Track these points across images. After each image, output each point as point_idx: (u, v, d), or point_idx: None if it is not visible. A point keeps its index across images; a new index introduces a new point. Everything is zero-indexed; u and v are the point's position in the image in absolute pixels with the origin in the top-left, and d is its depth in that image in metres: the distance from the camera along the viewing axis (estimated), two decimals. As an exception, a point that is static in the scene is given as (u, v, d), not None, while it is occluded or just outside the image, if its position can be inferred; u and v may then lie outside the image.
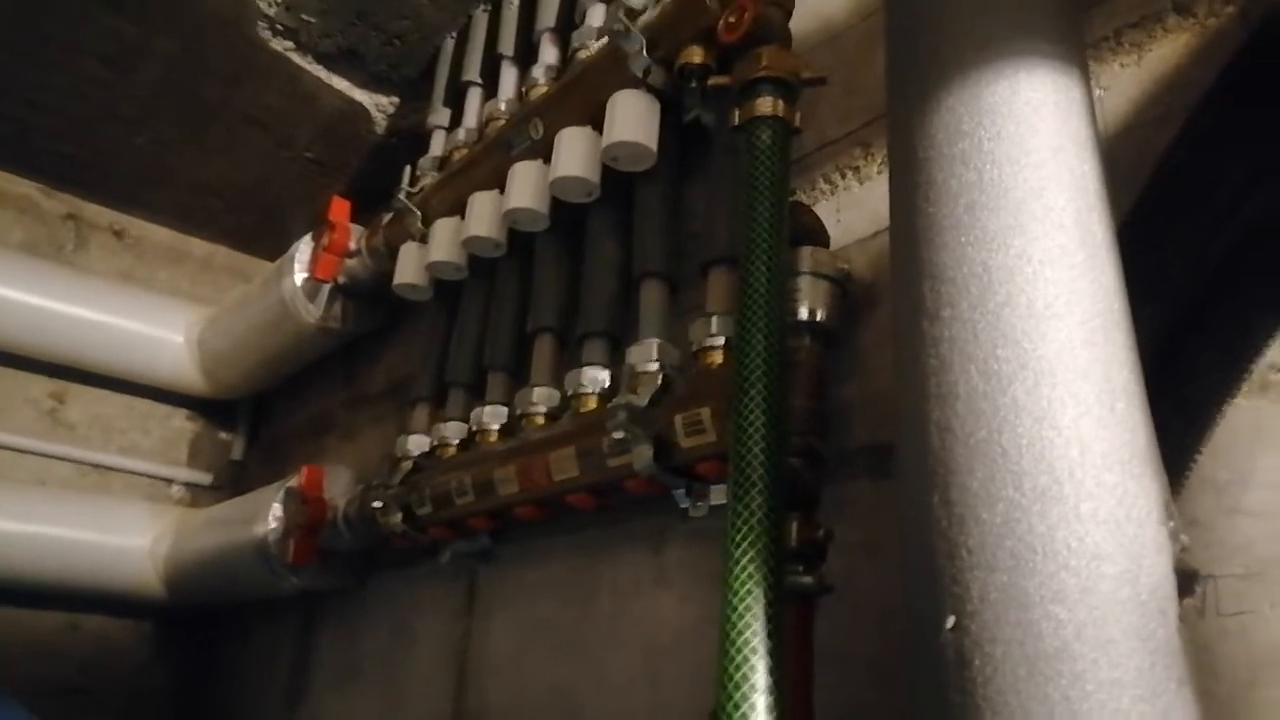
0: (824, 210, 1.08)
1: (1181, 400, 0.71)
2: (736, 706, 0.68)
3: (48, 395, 2.32)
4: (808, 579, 0.85)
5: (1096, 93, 0.86)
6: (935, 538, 0.59)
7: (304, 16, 1.74)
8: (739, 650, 0.70)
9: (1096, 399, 0.57)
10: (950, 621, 0.56)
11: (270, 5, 1.72)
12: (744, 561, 0.74)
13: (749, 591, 0.73)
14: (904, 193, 0.69)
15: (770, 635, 0.71)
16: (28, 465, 2.26)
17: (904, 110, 0.71)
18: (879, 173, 1.05)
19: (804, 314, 0.96)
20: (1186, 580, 0.57)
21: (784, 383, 0.86)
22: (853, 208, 1.07)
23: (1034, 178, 0.63)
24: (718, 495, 1.05)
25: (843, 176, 1.10)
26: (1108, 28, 0.88)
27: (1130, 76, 0.85)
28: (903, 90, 0.73)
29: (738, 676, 0.69)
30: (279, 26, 1.77)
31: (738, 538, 0.76)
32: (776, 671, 0.70)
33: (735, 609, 0.72)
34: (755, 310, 0.88)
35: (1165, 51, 0.83)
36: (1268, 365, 0.72)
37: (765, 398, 0.83)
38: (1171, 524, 0.56)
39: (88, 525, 2.09)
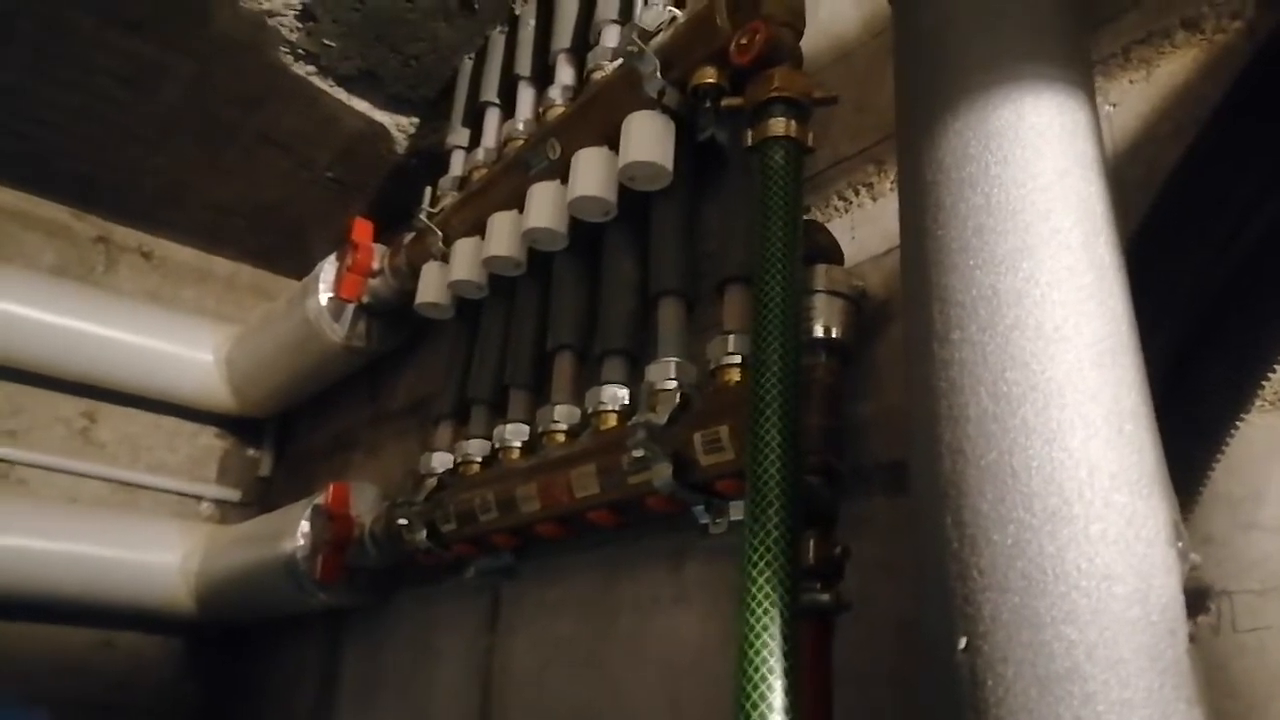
0: (838, 227, 1.09)
1: (1194, 417, 0.72)
2: None
3: (79, 414, 2.37)
4: (825, 596, 0.86)
5: (1105, 109, 0.87)
6: (947, 559, 0.59)
7: (325, 41, 1.77)
8: (756, 669, 0.71)
9: (1105, 421, 0.58)
10: (963, 642, 0.57)
11: (292, 31, 1.75)
12: (760, 581, 0.75)
13: (765, 611, 0.73)
14: (913, 216, 0.70)
15: (787, 655, 0.72)
16: (59, 483, 2.30)
17: (912, 134, 0.72)
18: (892, 189, 1.06)
19: (819, 332, 0.97)
20: (1198, 598, 0.57)
21: (799, 401, 0.87)
22: (867, 224, 1.08)
23: (1041, 200, 0.64)
24: (737, 512, 1.06)
25: (856, 193, 1.10)
26: (1116, 45, 0.88)
27: (1139, 93, 0.86)
28: (910, 114, 0.74)
29: (755, 696, 0.70)
30: (300, 51, 1.80)
31: (754, 557, 0.77)
32: (793, 691, 0.70)
33: (752, 628, 0.73)
34: (770, 330, 0.89)
35: (1174, 67, 0.84)
36: (1281, 380, 0.72)
37: (781, 416, 0.84)
38: (1181, 544, 0.57)
39: (119, 542, 2.13)
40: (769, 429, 0.84)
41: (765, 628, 0.73)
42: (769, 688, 0.70)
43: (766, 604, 0.74)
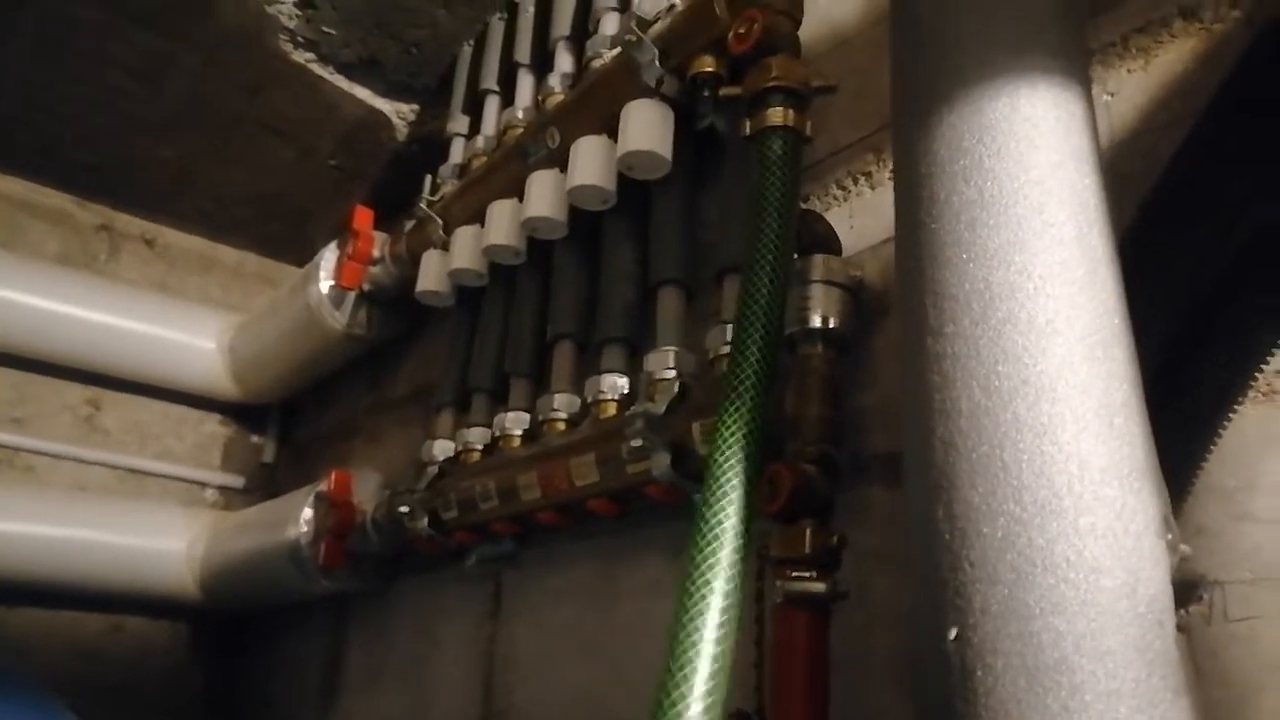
0: (836, 216, 1.09)
1: (1187, 408, 0.72)
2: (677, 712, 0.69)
3: (85, 402, 2.38)
4: (821, 585, 0.86)
5: (1104, 98, 0.86)
6: (939, 551, 0.60)
7: (324, 28, 1.77)
8: (684, 651, 0.71)
9: (1095, 414, 0.58)
10: (954, 633, 0.58)
11: (290, 18, 1.75)
12: (703, 568, 0.75)
13: (703, 597, 0.74)
14: (907, 208, 0.70)
15: (718, 641, 0.72)
16: (66, 471, 2.32)
17: (907, 125, 0.72)
18: (891, 178, 1.06)
19: (817, 322, 0.97)
20: (1189, 589, 0.58)
21: (770, 395, 0.87)
22: (865, 213, 1.08)
23: (1034, 194, 0.64)
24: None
25: (855, 182, 1.10)
26: (1115, 33, 0.88)
27: (1137, 82, 0.86)
28: (906, 105, 0.74)
29: (678, 678, 0.70)
30: (300, 39, 1.80)
31: (701, 542, 0.76)
32: (717, 681, 0.71)
33: (687, 612, 0.73)
34: (753, 320, 0.89)
35: (1171, 57, 0.84)
36: (1274, 371, 0.72)
37: (750, 408, 0.84)
38: (1170, 536, 0.57)
39: (126, 529, 2.15)
40: (735, 420, 0.83)
41: (700, 613, 0.73)
42: (692, 670, 0.71)
43: (706, 592, 0.74)
